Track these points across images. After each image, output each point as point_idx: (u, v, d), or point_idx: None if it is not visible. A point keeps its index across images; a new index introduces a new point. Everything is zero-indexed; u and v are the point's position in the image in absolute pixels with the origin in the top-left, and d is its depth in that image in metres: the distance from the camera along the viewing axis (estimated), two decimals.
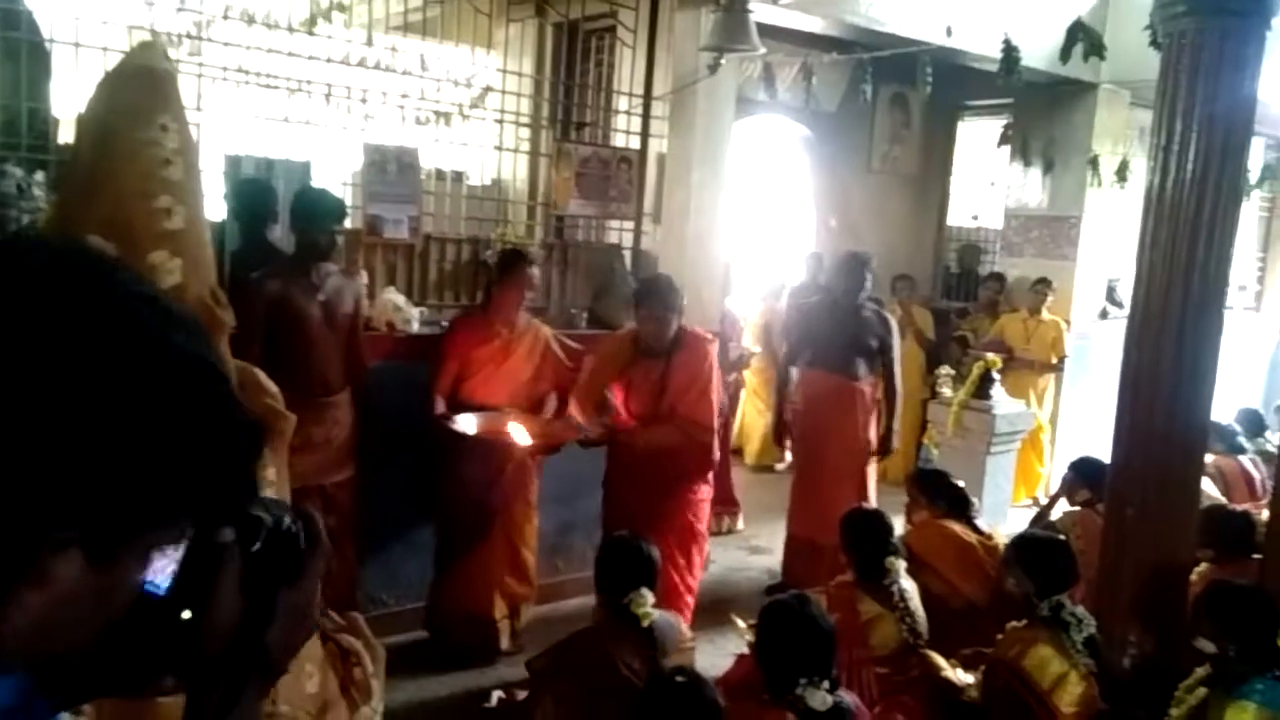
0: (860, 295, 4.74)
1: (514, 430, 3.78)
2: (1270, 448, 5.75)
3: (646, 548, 2.93)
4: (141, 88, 1.16)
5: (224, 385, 0.63)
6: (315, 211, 3.52)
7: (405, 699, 3.45)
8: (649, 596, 2.79)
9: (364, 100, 4.26)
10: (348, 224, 3.94)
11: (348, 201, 3.99)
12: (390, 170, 4.18)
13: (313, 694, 1.29)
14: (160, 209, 1.12)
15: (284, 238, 3.95)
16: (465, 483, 3.83)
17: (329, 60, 4.14)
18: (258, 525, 0.74)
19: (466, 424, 3.73)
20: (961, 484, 4.09)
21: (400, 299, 4.12)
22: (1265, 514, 3.25)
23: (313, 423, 3.41)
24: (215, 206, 3.82)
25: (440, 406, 3.81)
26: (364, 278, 4.09)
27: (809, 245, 7.88)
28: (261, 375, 1.34)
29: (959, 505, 3.95)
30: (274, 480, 1.22)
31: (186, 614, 0.68)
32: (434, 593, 4.01)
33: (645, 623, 2.77)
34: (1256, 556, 3.43)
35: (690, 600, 3.86)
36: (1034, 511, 6.39)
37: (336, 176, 4.41)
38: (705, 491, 3.91)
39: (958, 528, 3.83)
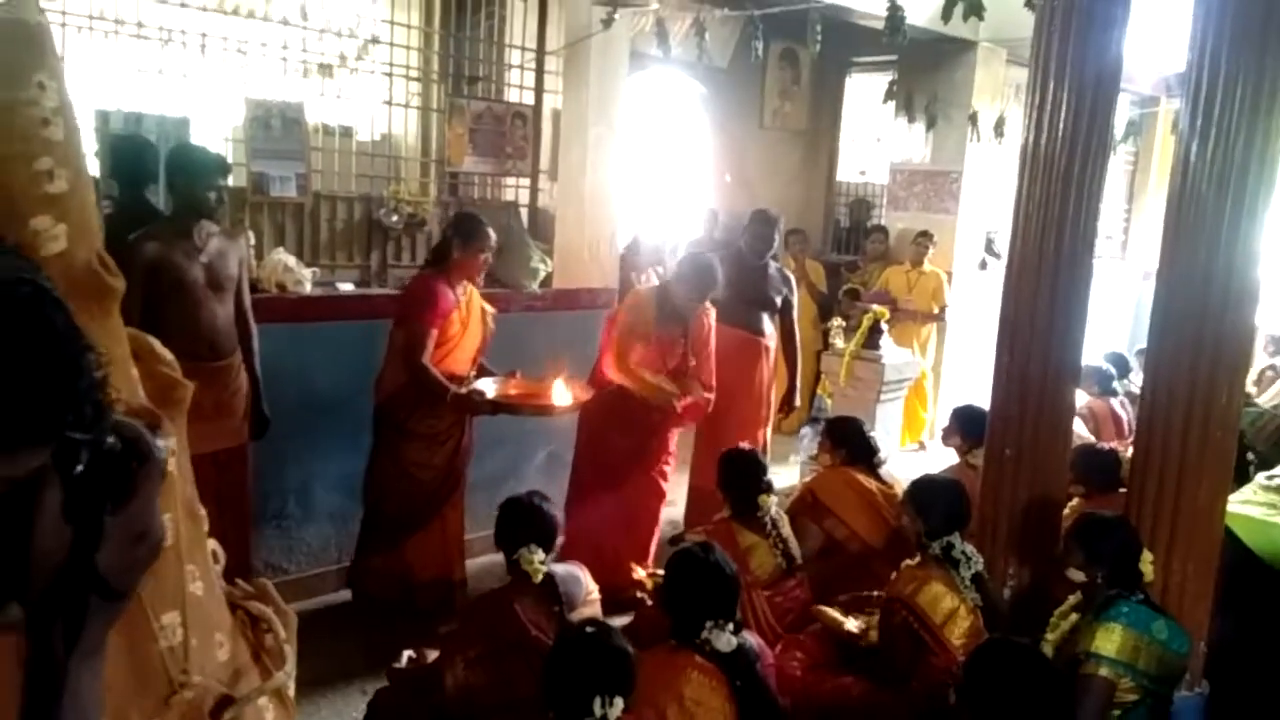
0: (768, 253, 4.88)
1: (557, 393, 3.90)
2: (1135, 389, 6.14)
3: (540, 505, 2.95)
4: (13, 43, 1.09)
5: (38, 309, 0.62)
6: (193, 168, 3.36)
7: (315, 663, 3.41)
8: (538, 553, 2.82)
9: (242, 52, 4.08)
10: (230, 182, 3.79)
11: (230, 158, 3.83)
12: (274, 126, 4.04)
13: (224, 662, 1.28)
14: (41, 172, 1.07)
15: (165, 198, 3.78)
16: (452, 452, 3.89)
17: (203, 9, 3.95)
18: (76, 447, 0.70)
19: (488, 390, 3.79)
20: (873, 434, 4.20)
21: (291, 259, 4.00)
22: (1131, 451, 3.48)
23: (202, 388, 3.27)
24: (89, 165, 3.62)
25: (447, 384, 3.72)
26: (250, 237, 3.95)
27: (706, 201, 7.96)
28: (156, 343, 1.30)
29: (864, 454, 4.07)
30: (175, 450, 1.19)
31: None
32: (388, 557, 3.92)
33: (536, 579, 2.81)
34: (1123, 491, 3.68)
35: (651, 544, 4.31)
36: (918, 455, 6.70)
37: (217, 132, 4.22)
38: (674, 437, 4.39)
39: (860, 476, 3.96)
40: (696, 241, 7.21)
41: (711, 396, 4.31)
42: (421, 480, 3.85)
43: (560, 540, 3.09)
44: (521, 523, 2.91)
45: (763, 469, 3.66)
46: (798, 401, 5.12)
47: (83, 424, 0.70)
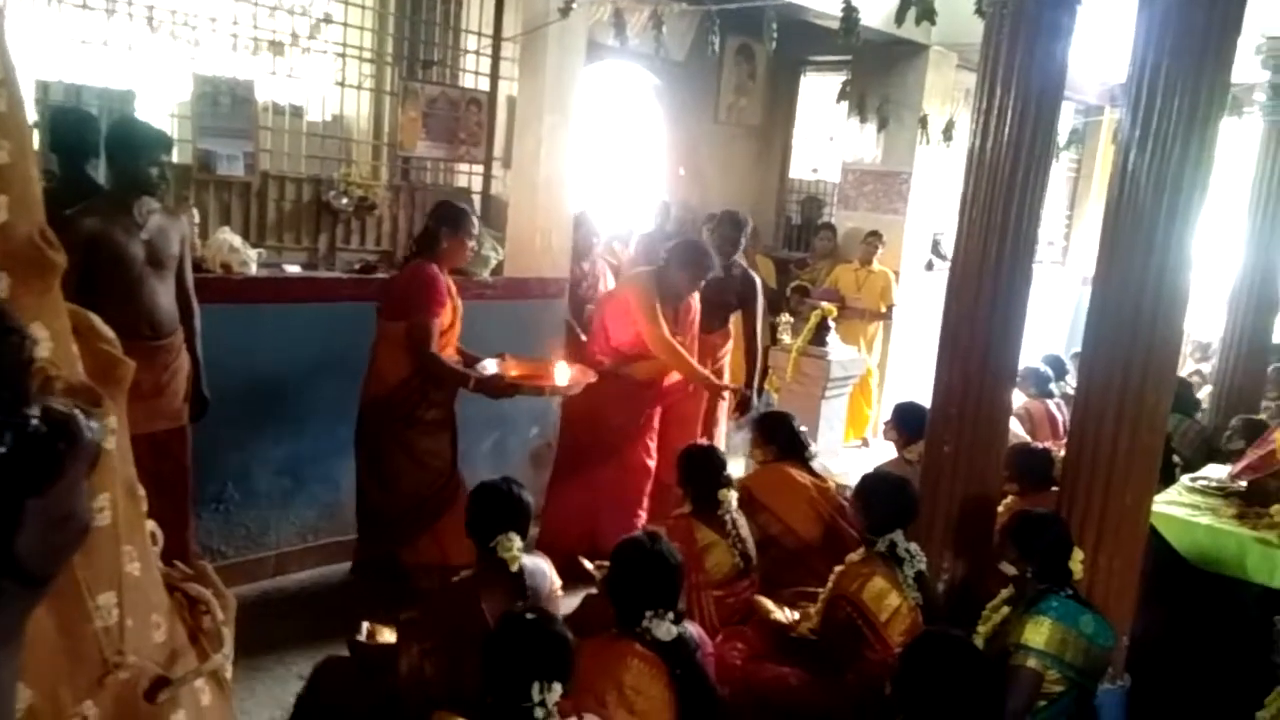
0: (734, 254, 4.97)
1: (559, 374, 4.02)
2: (1070, 391, 6.30)
3: (518, 492, 2.90)
4: None
5: None
6: (134, 143, 3.27)
7: (252, 647, 3.37)
8: (516, 540, 2.79)
9: (191, 26, 3.99)
10: (175, 158, 3.72)
11: (176, 135, 3.75)
12: (223, 103, 3.96)
13: (160, 643, 1.27)
14: None
15: (105, 173, 3.69)
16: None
17: None
18: None
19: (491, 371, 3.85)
20: (804, 429, 4.25)
21: (236, 239, 3.93)
22: (1064, 451, 3.59)
23: (142, 368, 3.21)
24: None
25: (465, 371, 3.76)
26: (194, 216, 3.88)
27: (659, 193, 7.97)
28: (96, 320, 1.28)
29: (796, 449, 4.11)
30: (115, 428, 1.18)
31: None
32: (405, 549, 3.86)
33: (514, 567, 2.77)
34: (1055, 489, 3.79)
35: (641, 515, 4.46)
36: (861, 450, 6.80)
37: (163, 108, 4.13)
38: (657, 416, 4.59)
39: (794, 471, 3.99)
40: (649, 234, 7.23)
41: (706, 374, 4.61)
42: (436, 468, 3.83)
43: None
44: (497, 509, 2.84)
45: (722, 464, 3.63)
46: (755, 402, 5.19)
47: (1, 407, 0.70)
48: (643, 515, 4.46)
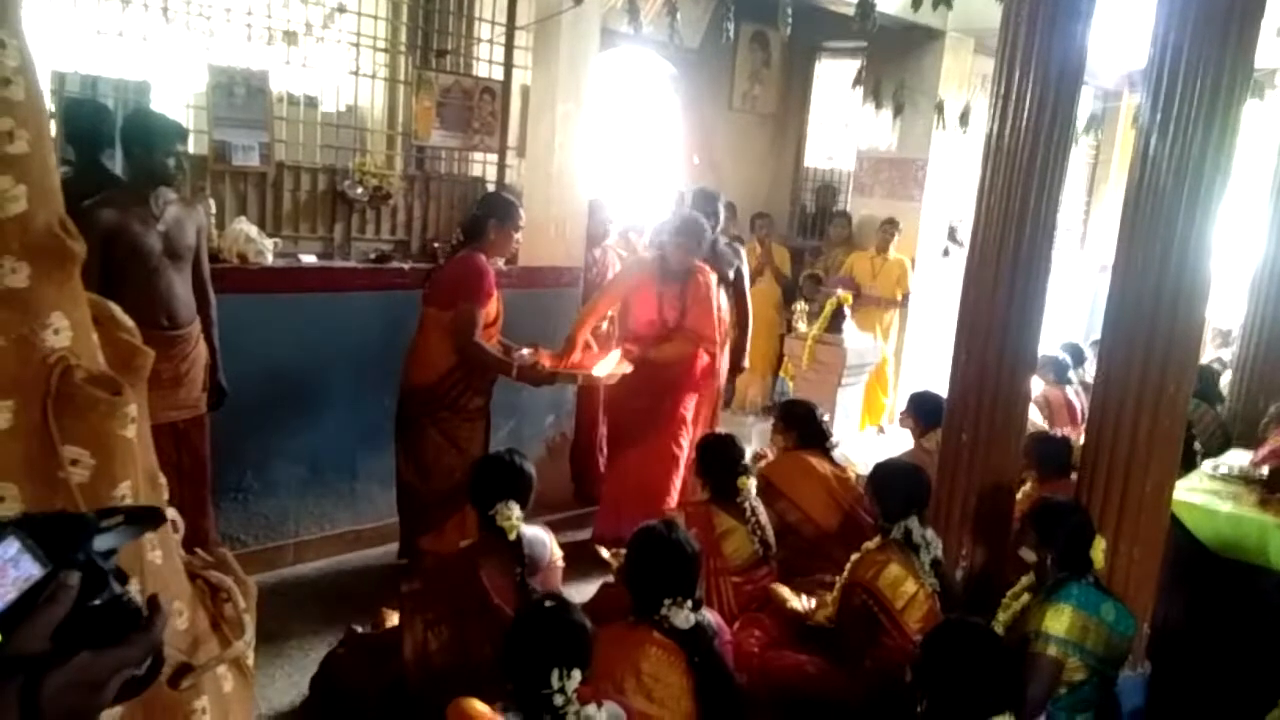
0: (716, 228, 5.03)
1: (599, 364, 4.15)
2: (1090, 379, 6.25)
3: (520, 462, 2.95)
4: None
5: None
6: (150, 134, 3.28)
7: (273, 635, 3.41)
8: (515, 509, 2.83)
9: (205, 16, 4.00)
10: (190, 149, 3.72)
11: (191, 126, 3.76)
12: (238, 94, 3.96)
13: (182, 631, 1.28)
14: (2, 132, 1.05)
15: (121, 164, 3.70)
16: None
17: None
18: (104, 584, 0.76)
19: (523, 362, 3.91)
20: (825, 417, 4.23)
21: (252, 230, 3.95)
22: (1083, 439, 3.56)
23: (160, 358, 3.23)
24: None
25: (508, 359, 3.86)
26: (210, 206, 3.89)
27: (675, 182, 7.95)
28: (116, 309, 1.28)
29: (817, 438, 4.09)
30: (135, 417, 1.18)
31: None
32: (439, 534, 3.90)
33: (512, 535, 2.81)
34: (1073, 477, 3.76)
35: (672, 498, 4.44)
36: (878, 439, 6.78)
37: (178, 98, 4.14)
38: (690, 403, 4.55)
39: (814, 460, 3.98)
40: (662, 224, 7.20)
41: (715, 349, 4.56)
42: (472, 455, 3.86)
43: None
44: (499, 478, 2.91)
45: (740, 451, 3.62)
46: (745, 363, 5.26)
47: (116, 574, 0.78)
48: (671, 504, 4.44)
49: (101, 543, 0.78)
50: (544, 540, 2.97)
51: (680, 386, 4.51)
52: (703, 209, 4.98)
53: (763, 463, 4.19)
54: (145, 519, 0.86)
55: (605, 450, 4.90)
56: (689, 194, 7.63)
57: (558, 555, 3.03)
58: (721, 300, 5.04)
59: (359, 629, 3.11)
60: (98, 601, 0.75)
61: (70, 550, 0.75)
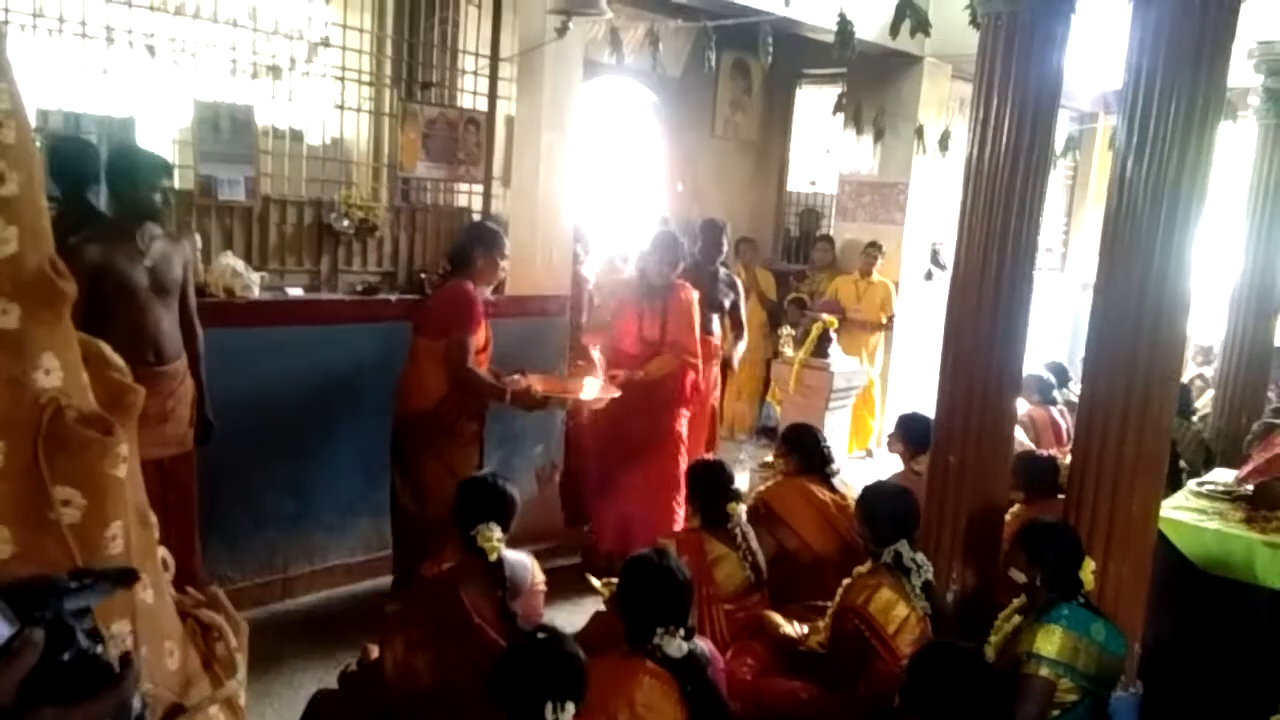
0: (719, 258, 5.25)
1: (587, 388, 4.26)
2: (1074, 398, 6.29)
3: (502, 484, 2.95)
4: None
5: None
6: (134, 170, 3.30)
7: (263, 673, 3.37)
8: (496, 530, 2.82)
9: (189, 53, 4.02)
10: (175, 184, 3.72)
11: (177, 161, 3.76)
12: (223, 128, 3.98)
13: (174, 671, 1.26)
14: None
15: (107, 201, 3.70)
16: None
17: (150, 8, 3.88)
18: (71, 640, 0.77)
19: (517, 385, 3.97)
20: (828, 445, 4.19)
21: (239, 264, 3.95)
22: (1069, 458, 3.58)
23: (147, 394, 3.22)
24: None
25: (500, 385, 3.90)
26: (197, 240, 3.89)
27: (657, 209, 7.99)
28: (106, 348, 1.28)
29: (816, 463, 4.05)
30: (126, 456, 1.18)
31: None
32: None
33: (492, 557, 2.80)
34: (1061, 497, 3.78)
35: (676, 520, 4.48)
36: (865, 462, 6.79)
37: (164, 134, 4.15)
38: (684, 419, 4.65)
39: (814, 486, 3.95)
40: (645, 252, 7.24)
41: (696, 362, 4.63)
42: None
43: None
44: (481, 500, 2.91)
45: (729, 477, 3.61)
46: (735, 362, 5.44)
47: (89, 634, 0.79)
48: (677, 525, 4.43)
49: (72, 603, 0.79)
50: (526, 564, 2.96)
51: (674, 402, 4.59)
52: (709, 239, 5.25)
53: (765, 485, 4.18)
54: (117, 579, 0.88)
55: (591, 477, 4.89)
56: (673, 220, 7.72)
57: (540, 580, 3.02)
58: (713, 324, 5.11)
59: (349, 666, 3.09)
60: (66, 657, 0.77)
61: (39, 609, 0.77)
